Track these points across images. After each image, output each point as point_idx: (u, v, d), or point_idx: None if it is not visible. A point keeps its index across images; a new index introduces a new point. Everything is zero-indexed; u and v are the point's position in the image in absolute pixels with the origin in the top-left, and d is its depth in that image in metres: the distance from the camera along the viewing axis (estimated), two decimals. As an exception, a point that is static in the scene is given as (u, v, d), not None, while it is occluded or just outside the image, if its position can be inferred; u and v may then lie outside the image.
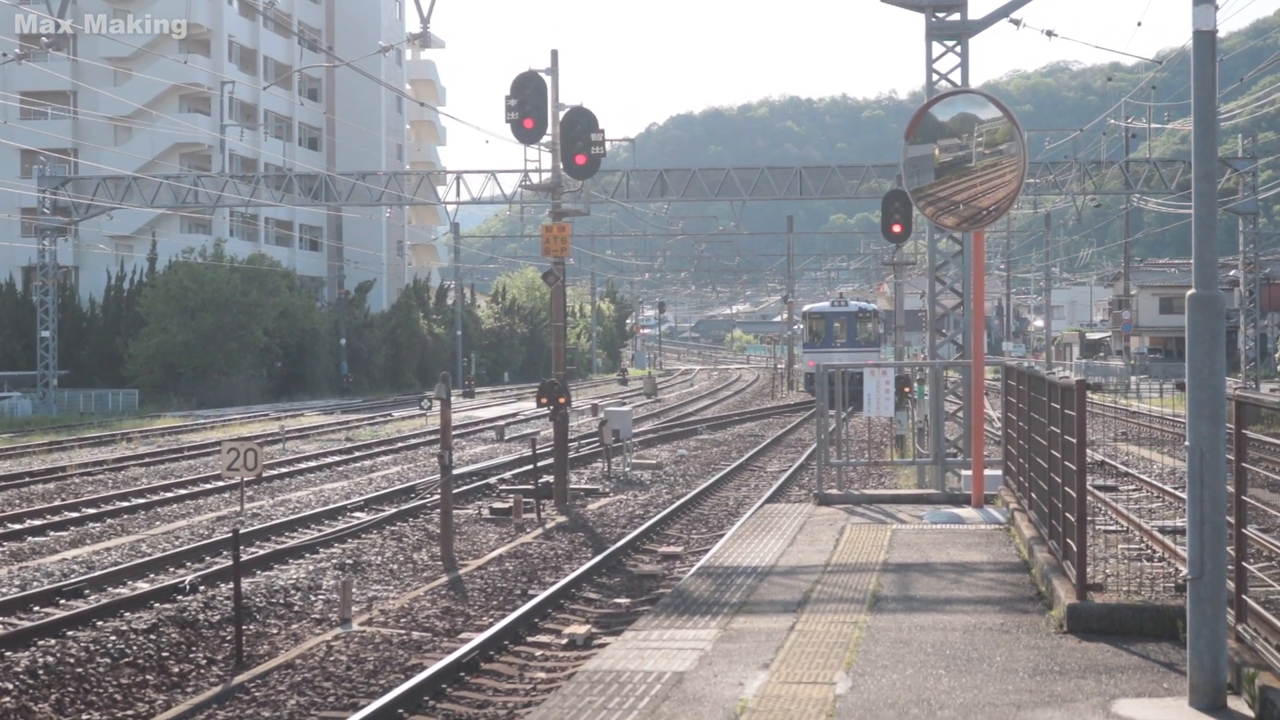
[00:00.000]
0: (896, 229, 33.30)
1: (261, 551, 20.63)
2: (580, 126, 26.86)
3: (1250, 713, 8.33)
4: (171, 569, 19.65)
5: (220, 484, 29.15)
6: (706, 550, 19.52)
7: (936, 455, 23.52)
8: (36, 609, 16.90)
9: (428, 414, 51.10)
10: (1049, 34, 30.06)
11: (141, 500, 27.15)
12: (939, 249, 29.31)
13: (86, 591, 17.90)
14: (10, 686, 13.18)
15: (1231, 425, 8.92)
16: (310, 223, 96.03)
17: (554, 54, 27.94)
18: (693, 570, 15.51)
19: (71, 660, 14.10)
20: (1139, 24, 47.34)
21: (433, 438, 41.10)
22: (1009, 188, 17.75)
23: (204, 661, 14.54)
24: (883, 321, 69.40)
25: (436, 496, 23.74)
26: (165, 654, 14.69)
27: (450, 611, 16.89)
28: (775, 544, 15.84)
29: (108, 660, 14.25)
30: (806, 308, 73.47)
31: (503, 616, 16.12)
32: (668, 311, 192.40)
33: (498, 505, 25.90)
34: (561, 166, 27.68)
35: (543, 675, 13.59)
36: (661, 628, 11.51)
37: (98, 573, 18.83)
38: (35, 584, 18.31)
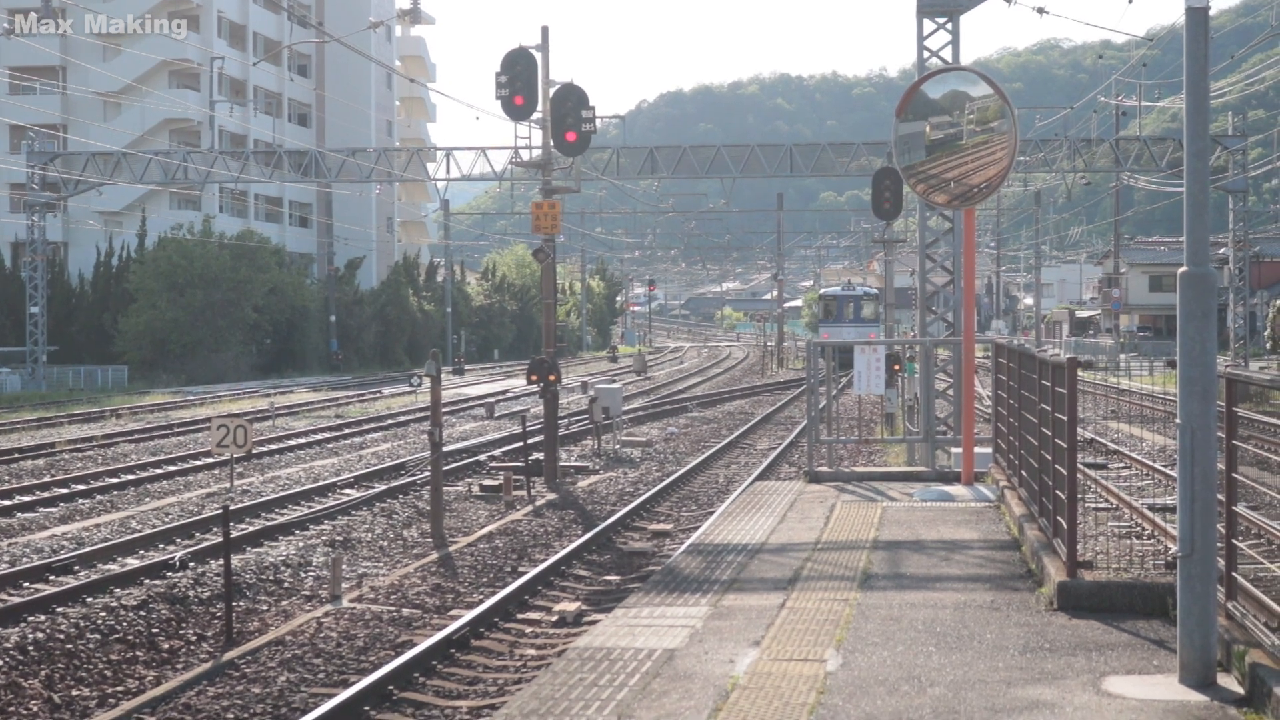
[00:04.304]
0: (887, 206, 33.36)
1: (251, 528, 20.61)
2: (571, 103, 26.82)
3: (1240, 690, 8.34)
4: (161, 545, 19.64)
5: (210, 460, 29.10)
6: (697, 528, 19.54)
7: (926, 433, 23.55)
8: (26, 585, 16.87)
9: (417, 391, 51.07)
10: (1040, 11, 30.00)
11: (131, 477, 27.11)
12: (929, 226, 29.31)
13: (76, 568, 17.88)
14: (0, 663, 13.17)
15: (1223, 403, 8.92)
16: (300, 199, 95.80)
17: (545, 30, 27.87)
18: (683, 548, 15.52)
19: (61, 637, 14.09)
20: (1130, 1, 47.02)
21: (422, 415, 41.07)
22: (1000, 165, 17.74)
23: (194, 638, 14.53)
24: (882, 302, 71.04)
25: (427, 473, 23.73)
26: (155, 630, 14.68)
27: (440, 588, 16.89)
28: (765, 521, 15.85)
29: (98, 637, 14.24)
30: (822, 291, 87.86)
31: (493, 594, 16.12)
32: (657, 289, 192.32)
33: (488, 482, 25.89)
34: (552, 144, 27.64)
35: (533, 652, 13.59)
36: (652, 605, 11.52)
37: (87, 549, 18.81)
38: (25, 560, 18.29)
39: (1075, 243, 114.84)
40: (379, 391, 57.34)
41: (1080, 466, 12.22)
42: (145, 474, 27.54)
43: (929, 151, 17.97)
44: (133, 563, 18.17)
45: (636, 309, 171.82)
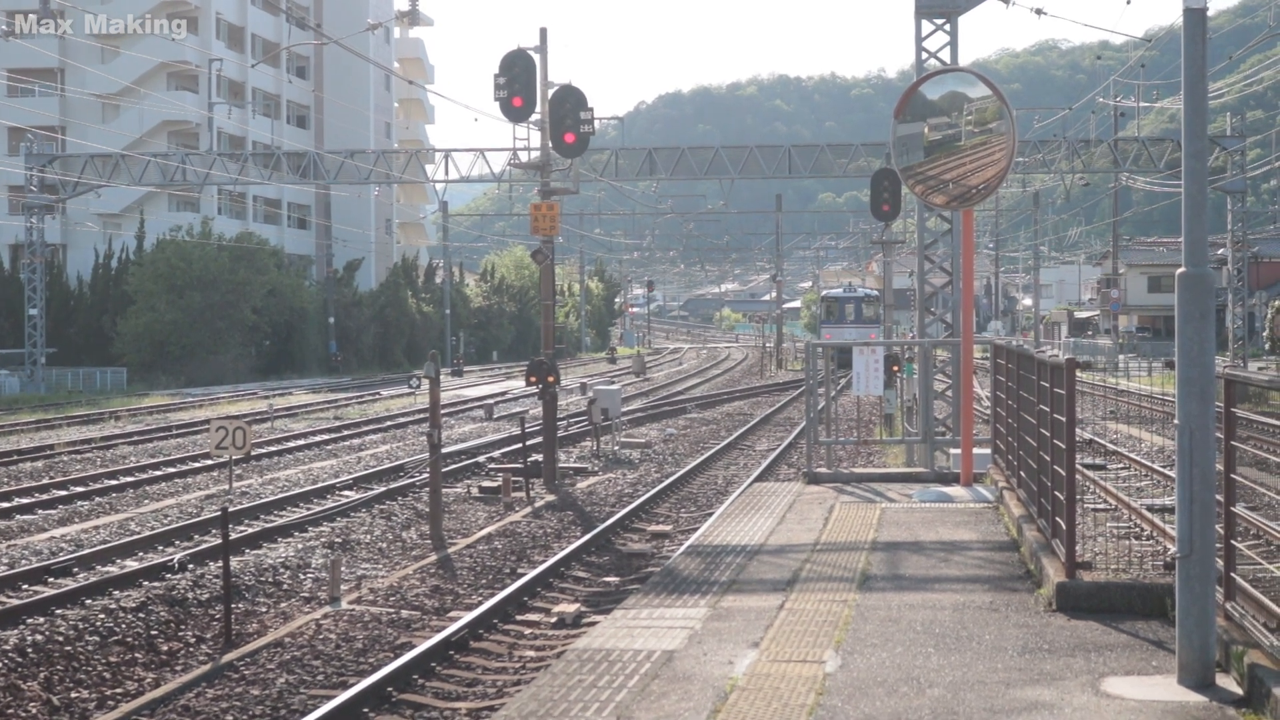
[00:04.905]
0: (885, 208, 33.38)
1: (250, 530, 20.60)
2: (569, 105, 26.84)
3: (1239, 690, 8.34)
4: (160, 547, 19.63)
5: (209, 462, 29.10)
6: (695, 529, 19.54)
7: (925, 434, 23.55)
8: (25, 587, 16.87)
9: (416, 393, 51.06)
10: (1038, 12, 30.03)
11: (130, 478, 27.10)
12: (928, 227, 29.32)
13: (75, 570, 17.89)
14: (-1, 665, 13.17)
15: (1221, 403, 8.92)
16: (298, 201, 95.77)
17: (543, 32, 27.87)
18: (682, 549, 15.51)
19: (60, 639, 14.09)
20: (1128, 2, 47.12)
21: (421, 416, 41.08)
22: (998, 166, 17.75)
23: (193, 640, 14.53)
24: (881, 304, 71.90)
25: (425, 475, 23.73)
26: (154, 632, 14.68)
27: (439, 590, 16.89)
28: (764, 523, 15.84)
29: (97, 639, 14.24)
30: (824, 292, 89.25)
31: (492, 595, 16.12)
32: (656, 290, 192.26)
33: (487, 484, 25.89)
34: (550, 145, 27.63)
35: (532, 654, 13.59)
36: (651, 606, 11.51)
37: (86, 551, 18.81)
38: (24, 562, 18.28)
39: (1074, 244, 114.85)
40: (378, 393, 57.30)
41: (1079, 467, 12.22)
42: (144, 476, 27.53)
43: (927, 153, 17.98)
44: (132, 565, 18.16)
45: (635, 310, 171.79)
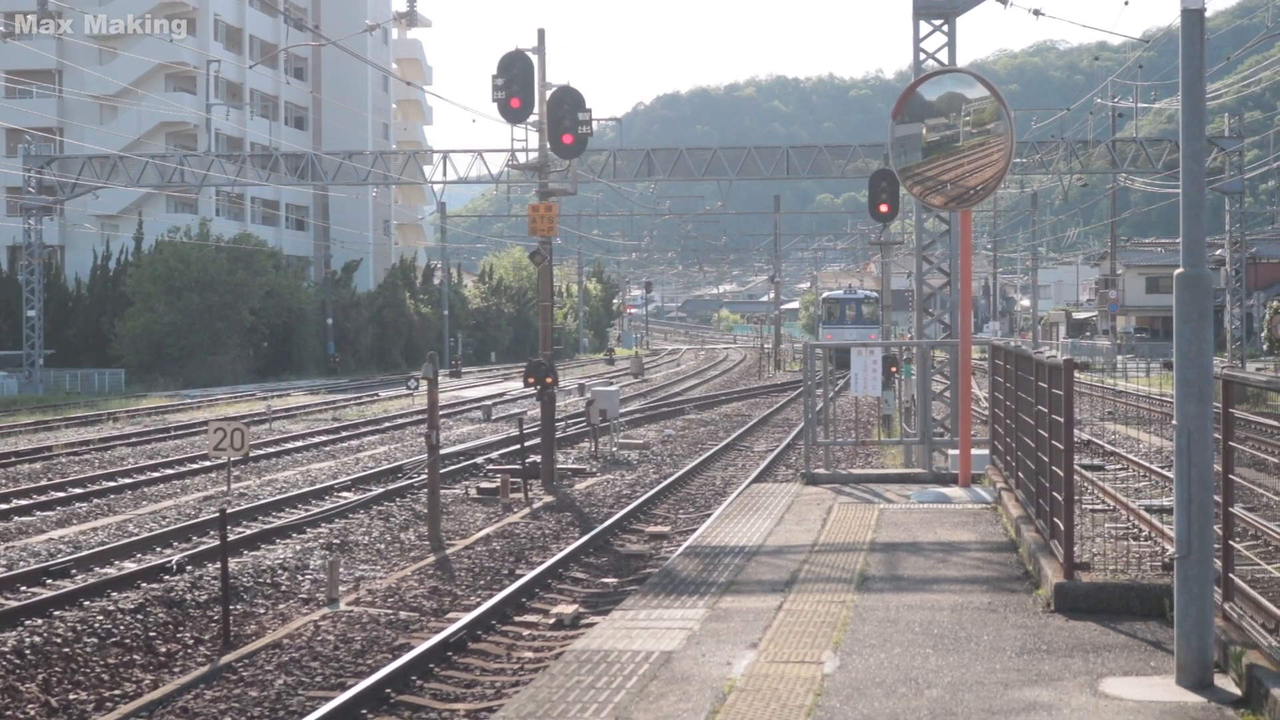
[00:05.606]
0: (883, 208, 33.41)
1: (248, 531, 20.60)
2: (567, 106, 26.84)
3: (1237, 691, 8.34)
4: (158, 549, 19.62)
5: (207, 464, 29.09)
6: (694, 530, 19.53)
7: (923, 434, 23.52)
8: (23, 589, 16.86)
9: (414, 394, 51.00)
10: (1036, 13, 30.00)
11: (128, 480, 27.09)
12: (926, 228, 29.32)
13: (73, 571, 17.88)
14: (-3, 667, 13.16)
15: (1219, 404, 8.92)
16: (296, 202, 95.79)
17: (541, 33, 27.87)
18: (680, 550, 15.50)
19: (59, 640, 14.08)
20: (1126, 3, 47.18)
21: (419, 418, 41.06)
22: (996, 167, 17.76)
23: (191, 641, 14.52)
24: (880, 305, 72.15)
25: (424, 476, 23.72)
26: (152, 634, 14.66)
27: (438, 591, 16.88)
28: (763, 524, 15.84)
29: (95, 640, 14.23)
30: (825, 294, 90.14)
31: (490, 596, 16.11)
32: (654, 291, 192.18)
33: (485, 485, 25.88)
34: (548, 146, 27.63)
35: (530, 655, 13.59)
36: (649, 607, 11.51)
37: (84, 553, 18.80)
38: (22, 564, 18.27)
39: (1072, 244, 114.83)
40: (376, 394, 57.31)
41: (1077, 468, 12.22)
42: (142, 477, 27.52)
43: (925, 153, 17.99)
44: (130, 566, 18.16)
45: (633, 311, 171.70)
